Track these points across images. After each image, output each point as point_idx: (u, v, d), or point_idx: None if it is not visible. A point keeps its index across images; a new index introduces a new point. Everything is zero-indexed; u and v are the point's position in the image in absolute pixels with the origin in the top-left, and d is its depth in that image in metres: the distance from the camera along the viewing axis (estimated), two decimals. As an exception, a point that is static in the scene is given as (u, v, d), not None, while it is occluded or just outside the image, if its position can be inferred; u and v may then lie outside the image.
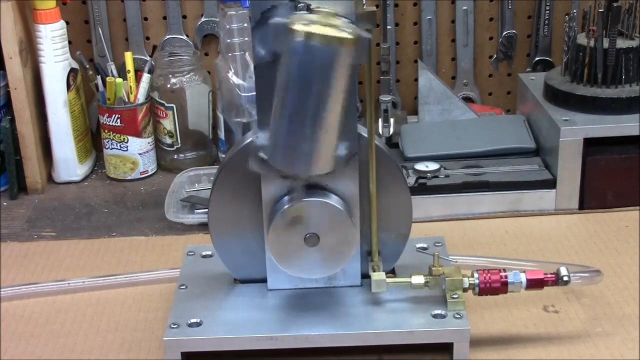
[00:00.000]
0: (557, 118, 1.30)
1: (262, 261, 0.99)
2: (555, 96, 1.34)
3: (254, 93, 0.94)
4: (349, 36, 0.82)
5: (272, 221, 0.94)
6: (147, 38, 1.55)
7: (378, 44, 1.46)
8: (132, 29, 1.54)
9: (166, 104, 1.46)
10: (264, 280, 1.01)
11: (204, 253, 1.09)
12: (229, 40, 1.41)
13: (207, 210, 1.02)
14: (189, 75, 1.46)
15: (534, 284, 0.95)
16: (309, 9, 0.85)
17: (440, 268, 0.96)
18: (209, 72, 1.51)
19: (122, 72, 1.46)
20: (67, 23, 1.44)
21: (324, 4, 0.84)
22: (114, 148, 1.44)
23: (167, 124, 1.47)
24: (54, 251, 1.23)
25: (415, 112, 1.51)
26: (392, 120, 1.44)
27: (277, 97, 0.85)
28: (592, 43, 1.31)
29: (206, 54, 1.56)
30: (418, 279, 0.96)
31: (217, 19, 1.47)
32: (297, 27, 0.81)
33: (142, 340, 1.01)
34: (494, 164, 1.31)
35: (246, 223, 0.99)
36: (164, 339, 0.94)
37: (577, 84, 1.33)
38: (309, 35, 0.81)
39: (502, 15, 1.55)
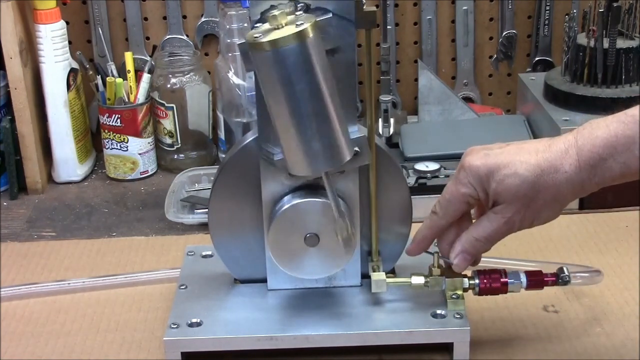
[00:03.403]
0: (557, 118, 1.30)
1: (262, 261, 0.99)
2: (555, 96, 1.34)
3: (254, 93, 0.94)
4: (306, 26, 0.82)
5: (272, 221, 0.94)
6: (147, 38, 1.55)
7: (378, 44, 1.46)
8: (132, 29, 1.54)
9: (166, 104, 1.46)
10: (264, 280, 1.01)
11: (204, 253, 1.09)
12: (229, 40, 1.41)
13: (207, 210, 1.02)
14: (189, 75, 1.47)
15: (534, 284, 0.95)
16: (308, 9, 0.86)
17: (440, 268, 0.96)
18: (209, 72, 1.51)
19: (122, 72, 1.46)
20: (67, 23, 1.44)
21: (318, 4, 0.85)
22: (114, 148, 1.44)
23: (167, 124, 1.47)
24: (54, 251, 1.23)
25: (415, 112, 1.51)
26: (392, 120, 1.44)
27: (272, 113, 0.86)
28: (592, 43, 1.31)
29: (206, 54, 1.56)
30: (418, 279, 0.96)
31: (217, 19, 1.47)
32: (259, 40, 0.82)
33: (142, 340, 1.01)
34: (494, 164, 1.31)
35: (246, 223, 0.99)
36: (164, 339, 0.94)
37: (577, 84, 1.33)
38: (272, 43, 0.81)
39: (502, 15, 1.55)
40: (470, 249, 0.91)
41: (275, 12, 0.83)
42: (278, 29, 0.82)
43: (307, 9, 0.86)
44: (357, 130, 0.90)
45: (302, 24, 0.82)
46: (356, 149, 0.90)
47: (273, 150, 0.91)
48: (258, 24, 0.86)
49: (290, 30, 0.82)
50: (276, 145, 0.89)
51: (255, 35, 0.82)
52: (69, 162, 1.45)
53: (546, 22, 1.55)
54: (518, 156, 0.87)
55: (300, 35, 0.82)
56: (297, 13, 0.85)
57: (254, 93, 0.94)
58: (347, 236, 0.92)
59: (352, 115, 0.91)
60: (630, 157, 0.82)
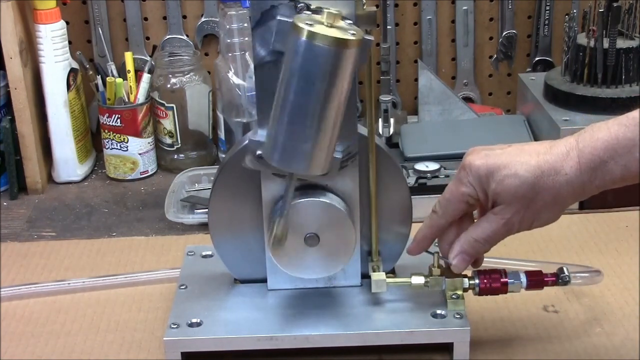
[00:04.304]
0: (557, 118, 1.30)
1: (262, 261, 0.99)
2: (555, 96, 1.34)
3: (254, 93, 0.94)
4: (353, 38, 0.82)
5: (272, 221, 0.94)
6: (147, 38, 1.55)
7: (378, 44, 1.46)
8: (132, 29, 1.54)
9: (166, 104, 1.46)
10: (264, 280, 1.01)
11: (204, 253, 1.09)
12: (229, 40, 1.41)
13: (207, 210, 1.02)
14: (189, 75, 1.47)
15: (534, 284, 0.95)
16: (309, 9, 0.86)
17: (440, 268, 0.96)
18: (209, 72, 1.51)
19: (122, 72, 1.46)
20: (67, 23, 1.44)
21: (327, 5, 0.85)
22: (114, 148, 1.44)
23: (167, 124, 1.47)
24: (54, 251, 1.23)
25: (415, 112, 1.51)
26: (392, 120, 1.44)
27: (278, 95, 0.85)
28: (592, 43, 1.31)
29: (206, 54, 1.56)
30: (418, 279, 0.96)
31: (217, 19, 1.47)
32: (302, 26, 0.82)
33: (142, 340, 1.01)
34: (494, 164, 1.30)
35: (246, 223, 0.99)
36: (164, 339, 0.94)
37: (577, 84, 1.33)
38: (313, 35, 0.81)
39: (502, 15, 1.55)
40: (469, 249, 0.91)
41: (333, 10, 0.83)
42: (326, 25, 0.82)
43: (307, 9, 0.85)
44: (340, 152, 0.90)
45: (349, 33, 0.82)
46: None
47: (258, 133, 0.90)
48: (308, 12, 0.85)
49: (335, 33, 0.82)
50: (264, 128, 0.89)
51: (306, 22, 0.82)
52: (69, 162, 1.45)
53: (546, 22, 1.55)
54: (518, 157, 0.87)
55: (343, 43, 0.81)
56: (349, 22, 0.85)
57: (254, 93, 0.94)
58: (279, 236, 0.91)
59: (347, 133, 0.90)
60: (631, 159, 0.82)
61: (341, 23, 0.84)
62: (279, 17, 0.85)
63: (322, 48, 0.81)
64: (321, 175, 0.89)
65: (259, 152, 0.89)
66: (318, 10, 0.84)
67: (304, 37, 0.81)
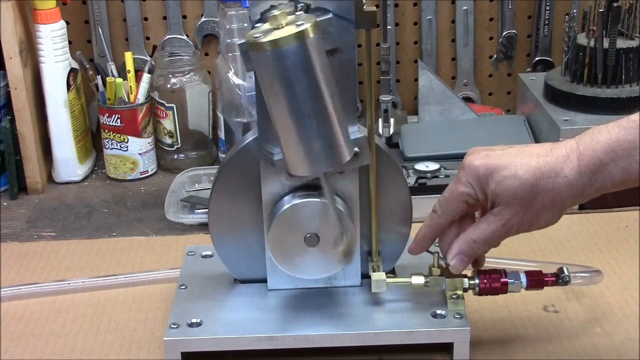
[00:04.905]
0: (557, 118, 1.30)
1: (262, 261, 0.99)
2: (555, 96, 1.34)
3: (254, 93, 0.94)
4: (306, 26, 0.82)
5: (272, 221, 0.94)
6: (147, 38, 1.55)
7: (378, 44, 1.46)
8: (132, 29, 1.54)
9: (166, 104, 1.46)
10: (264, 280, 1.01)
11: (204, 253, 1.09)
12: (229, 40, 1.41)
13: (207, 210, 1.02)
14: (189, 75, 1.47)
15: (534, 284, 0.95)
16: (309, 9, 0.86)
17: (440, 268, 0.95)
18: (209, 72, 1.51)
19: (122, 72, 1.46)
20: (67, 23, 1.44)
21: (319, 4, 0.84)
22: (114, 148, 1.44)
23: (167, 124, 1.47)
24: (54, 251, 1.23)
25: (415, 112, 1.51)
26: (392, 120, 1.44)
27: (271, 113, 0.85)
28: (592, 43, 1.31)
29: (206, 54, 1.56)
30: (418, 279, 0.96)
31: (217, 19, 1.47)
32: (260, 40, 0.81)
33: (142, 340, 1.01)
34: (494, 164, 1.30)
35: (246, 223, 0.99)
36: (164, 339, 0.94)
37: (577, 84, 1.33)
38: (274, 43, 0.81)
39: (502, 15, 1.55)
40: (468, 250, 0.91)
41: (276, 12, 0.83)
42: (278, 29, 0.82)
43: (307, 9, 0.86)
44: (357, 131, 0.90)
45: (302, 24, 0.82)
46: (356, 149, 0.90)
47: (273, 150, 0.90)
48: (258, 24, 0.86)
49: (291, 30, 0.82)
50: (276, 145, 0.89)
51: (255, 35, 0.82)
52: (69, 162, 1.45)
53: (546, 22, 1.55)
54: (519, 158, 0.87)
55: (301, 36, 0.81)
56: (298, 13, 0.84)
57: (254, 93, 0.94)
58: (346, 249, 0.92)
59: (352, 115, 0.91)
60: (632, 162, 0.82)
61: (290, 18, 0.83)
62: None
63: (287, 50, 0.81)
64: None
65: (289, 171, 0.89)
66: (266, 18, 0.84)
67: (267, 49, 0.81)
